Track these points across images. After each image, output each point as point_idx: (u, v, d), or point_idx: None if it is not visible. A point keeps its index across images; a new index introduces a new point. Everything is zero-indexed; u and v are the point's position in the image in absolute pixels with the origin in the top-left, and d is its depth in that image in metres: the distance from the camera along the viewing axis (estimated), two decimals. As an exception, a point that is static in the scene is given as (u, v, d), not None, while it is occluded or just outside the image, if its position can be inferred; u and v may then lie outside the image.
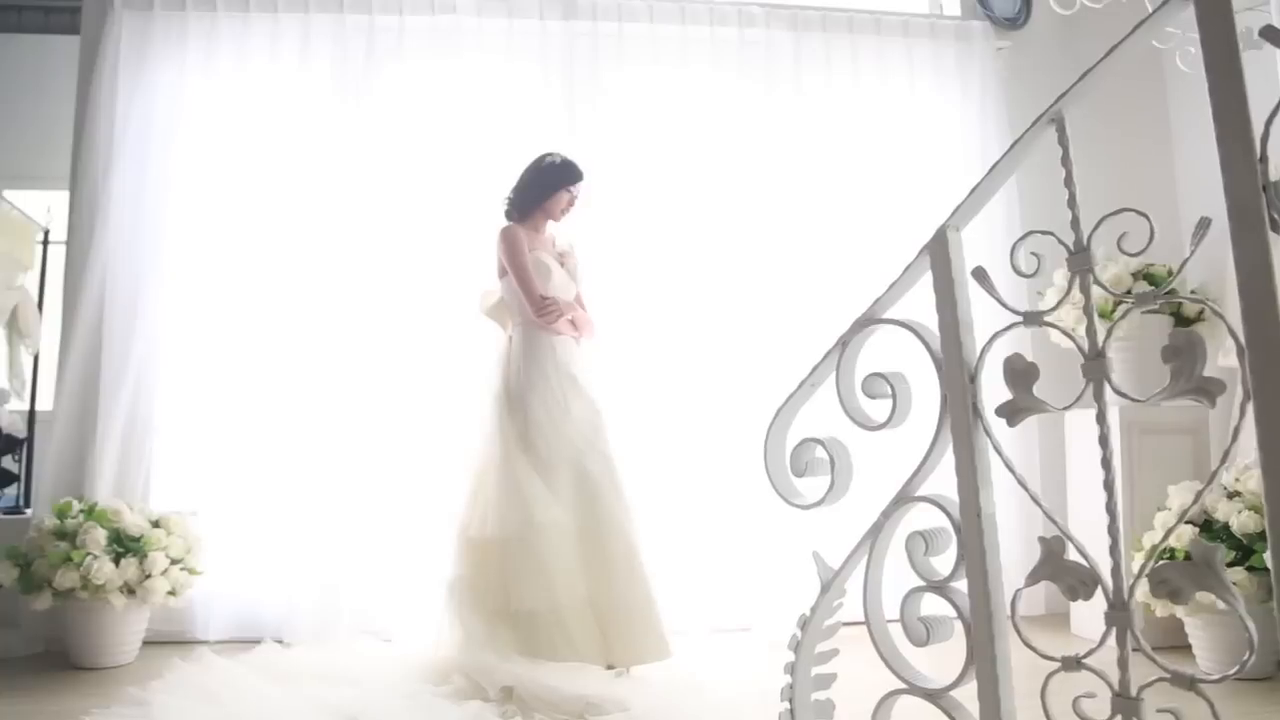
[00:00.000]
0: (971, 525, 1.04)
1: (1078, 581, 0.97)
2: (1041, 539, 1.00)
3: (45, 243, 4.83)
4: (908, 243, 3.76)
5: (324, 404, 3.50)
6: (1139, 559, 3.02)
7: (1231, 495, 2.91)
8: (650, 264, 3.73)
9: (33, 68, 5.29)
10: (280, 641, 3.20)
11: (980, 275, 1.05)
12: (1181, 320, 3.39)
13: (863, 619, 1.28)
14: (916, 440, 1.30)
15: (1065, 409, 1.00)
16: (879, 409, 1.17)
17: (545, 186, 3.04)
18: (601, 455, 2.90)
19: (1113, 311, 3.29)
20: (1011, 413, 1.02)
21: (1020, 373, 1.01)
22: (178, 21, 3.67)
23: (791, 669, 1.26)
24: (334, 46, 3.72)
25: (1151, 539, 2.98)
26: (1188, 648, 2.99)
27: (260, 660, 2.84)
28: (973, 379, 1.07)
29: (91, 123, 3.58)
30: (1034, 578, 1.00)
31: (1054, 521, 0.99)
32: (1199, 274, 3.53)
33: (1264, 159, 0.84)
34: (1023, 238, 0.99)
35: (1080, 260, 0.96)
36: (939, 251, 1.09)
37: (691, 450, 3.61)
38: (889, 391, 1.15)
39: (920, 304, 1.33)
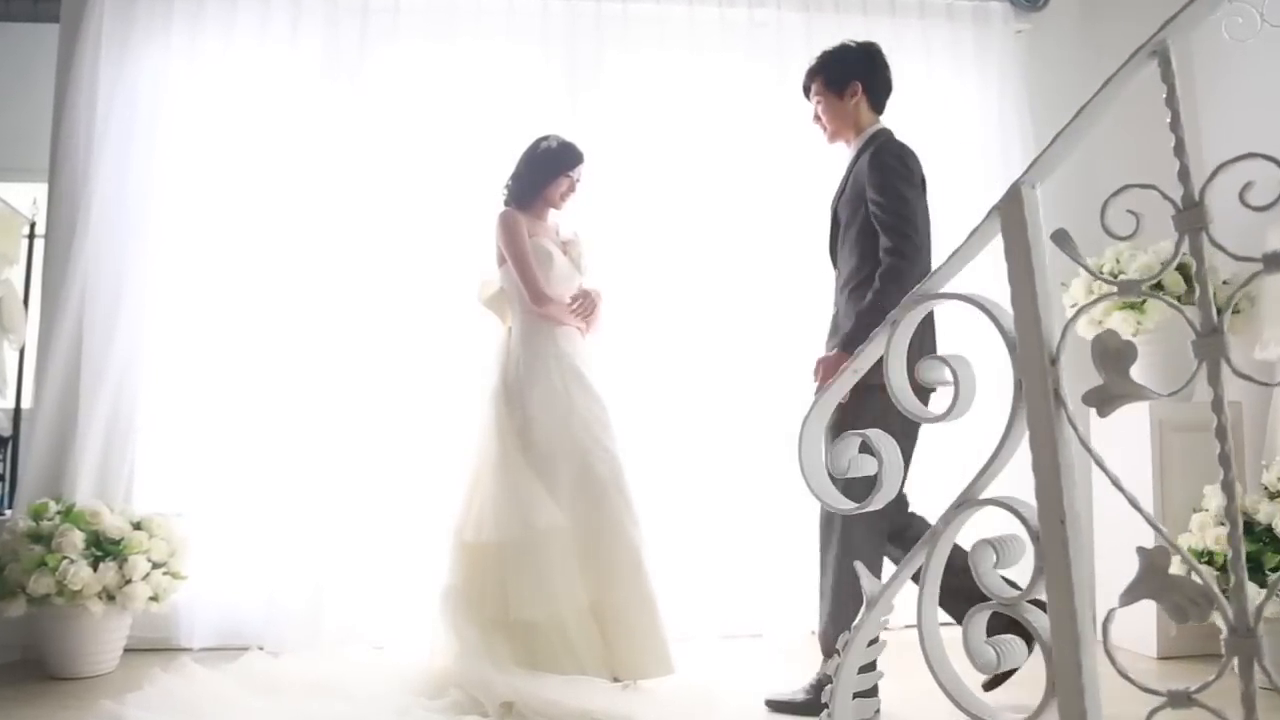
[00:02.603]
0: (1053, 533, 0.88)
1: (1187, 601, 0.81)
2: (1141, 550, 0.84)
3: (31, 236, 4.68)
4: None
5: (315, 401, 3.35)
6: (1174, 563, 2.86)
7: (1274, 496, 2.75)
8: (657, 254, 3.58)
9: (20, 57, 5.15)
10: (267, 649, 3.04)
11: (1062, 239, 0.89)
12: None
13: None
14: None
15: (1174, 394, 0.84)
16: (937, 398, 1.01)
17: (542, 173, 2.87)
18: (607, 454, 2.74)
19: (1143, 304, 3.14)
20: (1103, 400, 0.86)
21: (1113, 352, 0.85)
22: (162, 2, 3.51)
23: (830, 695, 1.10)
24: (326, 27, 3.56)
25: (1188, 541, 2.82)
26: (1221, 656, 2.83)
27: (245, 670, 2.69)
28: (1054, 361, 0.91)
29: (71, 109, 3.43)
30: (1131, 595, 0.84)
31: (1159, 531, 0.84)
32: (1228, 264, 3.37)
33: None
34: (1117, 193, 0.84)
35: (1191, 218, 0.80)
36: (1013, 213, 0.93)
37: (701, 448, 3.46)
38: (949, 378, 0.99)
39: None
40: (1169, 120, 0.82)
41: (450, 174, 3.50)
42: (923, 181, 2.54)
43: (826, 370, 2.46)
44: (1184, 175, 0.81)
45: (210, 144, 3.51)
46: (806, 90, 2.69)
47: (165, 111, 3.49)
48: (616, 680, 2.50)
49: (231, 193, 3.49)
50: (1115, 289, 0.86)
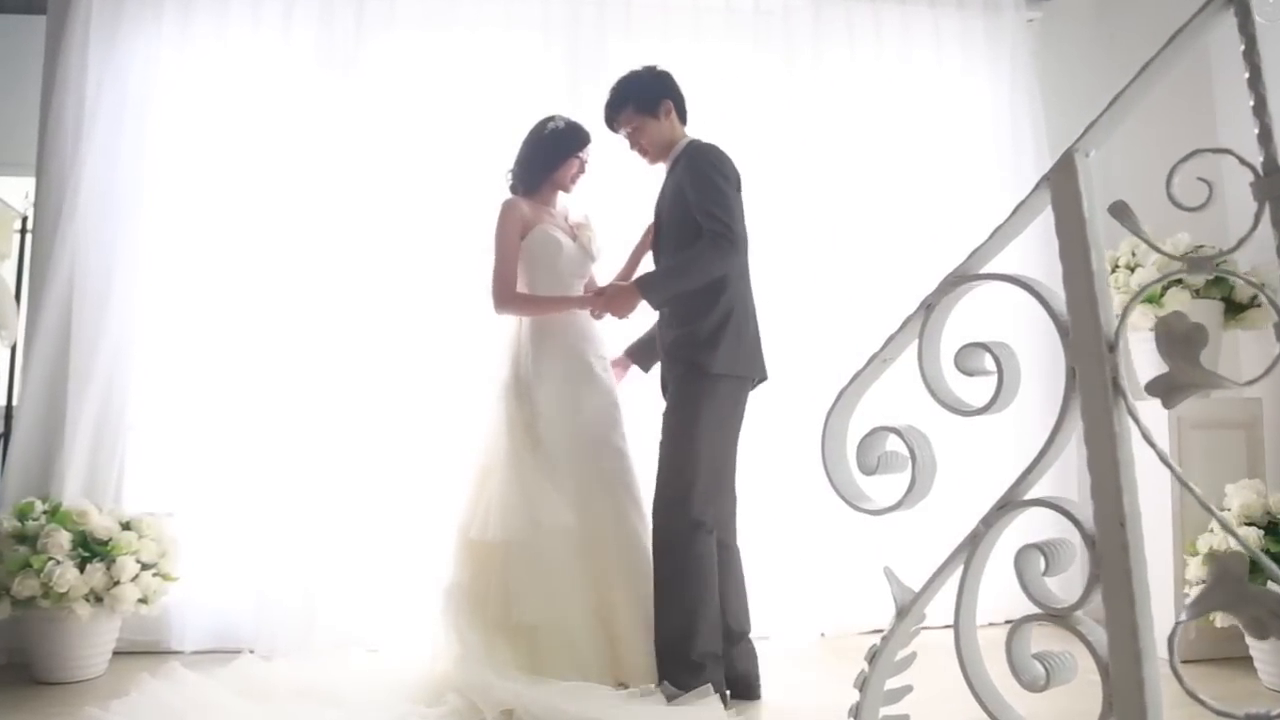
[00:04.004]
0: (1111, 537, 0.80)
1: (1268, 614, 0.72)
2: (1213, 556, 0.76)
3: (23, 231, 4.60)
4: (933, 222, 3.55)
5: (309, 399, 3.25)
6: (1194, 565, 2.79)
7: (1300, 495, 2.67)
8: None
9: (10, 48, 5.07)
10: (259, 653, 2.96)
11: (1121, 211, 0.80)
12: (1233, 306, 3.15)
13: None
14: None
15: (1251, 383, 0.75)
16: (976, 389, 0.93)
17: (551, 155, 2.76)
18: (615, 452, 2.65)
19: (1161, 296, 3.06)
20: (1169, 390, 0.77)
21: (1181, 337, 0.76)
22: (153, -12, 3.42)
23: (856, 711, 1.01)
24: (321, 14, 3.45)
25: (1209, 542, 2.74)
26: (1246, 659, 2.75)
27: (236, 675, 2.60)
28: (1112, 348, 0.82)
29: (59, 100, 3.34)
30: (1201, 606, 0.76)
31: (1235, 536, 0.75)
32: (1250, 257, 3.28)
33: None
34: (1186, 158, 0.75)
35: (1274, 184, 0.71)
36: (1064, 183, 0.84)
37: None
38: (992, 366, 0.90)
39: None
40: (1247, 76, 0.73)
41: (448, 165, 3.41)
42: (738, 180, 2.67)
43: (618, 300, 2.60)
44: (1265, 138, 0.73)
45: (202, 135, 3.41)
46: (613, 123, 2.78)
47: (155, 101, 3.40)
48: (622, 686, 2.41)
49: (224, 185, 3.40)
50: (1184, 266, 0.77)
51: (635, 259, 2.97)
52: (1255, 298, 3.13)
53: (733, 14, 3.64)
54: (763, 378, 2.67)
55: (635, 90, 2.73)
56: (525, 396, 2.62)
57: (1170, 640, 0.77)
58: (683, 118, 2.79)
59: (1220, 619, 2.55)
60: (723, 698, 2.44)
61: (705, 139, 2.71)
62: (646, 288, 2.56)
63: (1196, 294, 3.08)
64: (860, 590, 3.32)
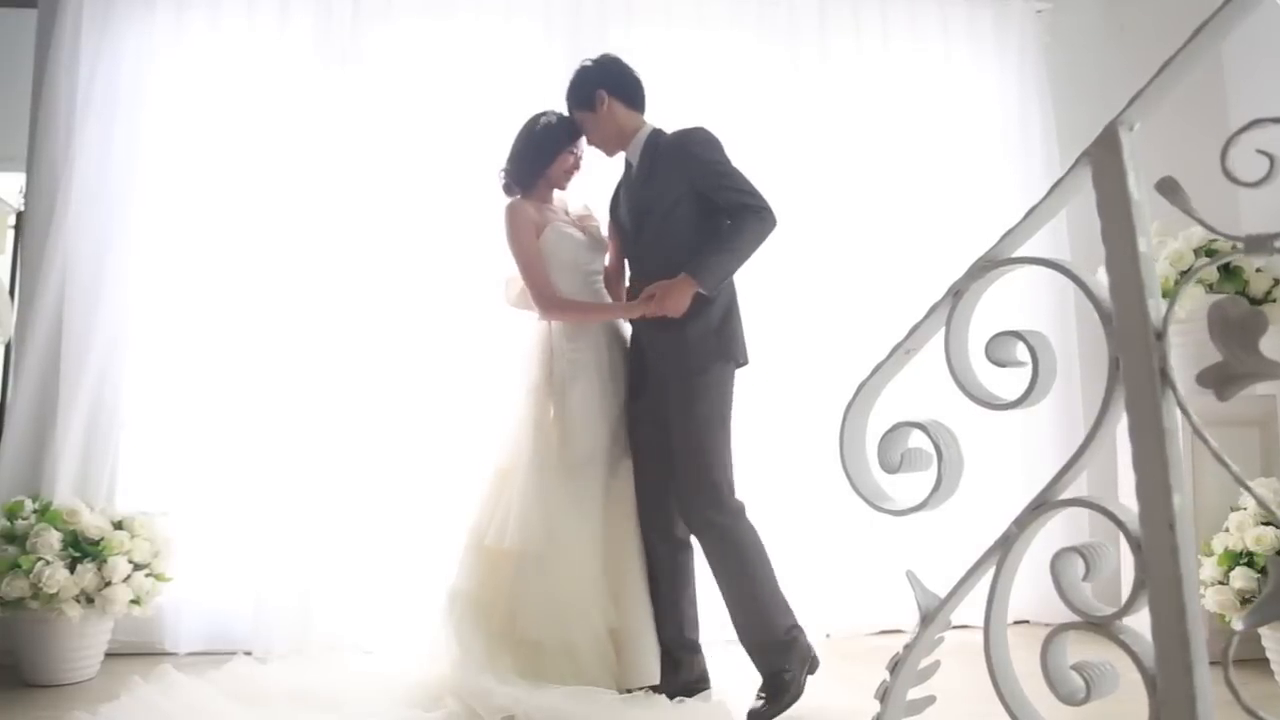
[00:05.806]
0: (1159, 540, 0.74)
1: (1335, 624, 0.66)
2: (1272, 561, 0.70)
3: (18, 227, 4.56)
4: (940, 215, 3.48)
5: (306, 397, 3.20)
6: (1208, 564, 2.73)
7: (1316, 493, 2.61)
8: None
9: (0, 42, 5.02)
10: (254, 655, 2.90)
11: (1170, 188, 0.75)
12: (1248, 301, 3.09)
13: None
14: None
15: (1319, 372, 0.69)
16: (1008, 381, 0.87)
17: (544, 151, 2.67)
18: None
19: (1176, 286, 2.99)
20: (1224, 380, 0.71)
21: (1236, 323, 0.71)
22: (146, -21, 3.36)
23: (877, 723, 0.95)
24: (317, 6, 3.40)
25: (1224, 541, 2.68)
26: (1264, 661, 2.69)
27: (230, 678, 2.53)
28: (1160, 335, 0.76)
29: (51, 94, 3.29)
30: (1262, 614, 0.70)
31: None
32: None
33: None
34: (1243, 129, 0.70)
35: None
36: (1106, 159, 0.78)
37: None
38: (1026, 357, 0.84)
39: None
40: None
41: (447, 156, 3.36)
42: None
43: (671, 297, 2.40)
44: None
45: (196, 128, 3.36)
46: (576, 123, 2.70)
47: (149, 94, 3.34)
48: (628, 691, 2.35)
49: (219, 179, 3.34)
50: (1241, 244, 0.71)
51: (618, 266, 2.81)
52: (1270, 292, 3.06)
53: (737, 3, 3.59)
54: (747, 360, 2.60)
55: (572, 89, 2.65)
56: (555, 397, 2.53)
57: (1225, 652, 0.71)
58: (633, 104, 2.63)
59: (1238, 621, 2.50)
60: (813, 662, 2.47)
61: (692, 126, 2.56)
62: (700, 273, 2.38)
63: (1210, 289, 3.02)
64: (867, 591, 3.27)
